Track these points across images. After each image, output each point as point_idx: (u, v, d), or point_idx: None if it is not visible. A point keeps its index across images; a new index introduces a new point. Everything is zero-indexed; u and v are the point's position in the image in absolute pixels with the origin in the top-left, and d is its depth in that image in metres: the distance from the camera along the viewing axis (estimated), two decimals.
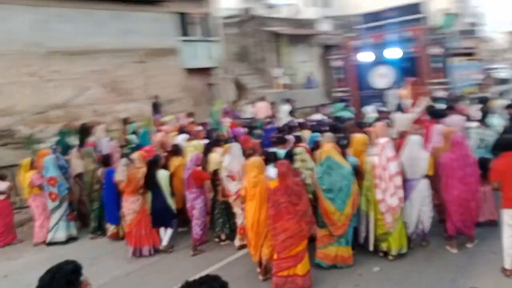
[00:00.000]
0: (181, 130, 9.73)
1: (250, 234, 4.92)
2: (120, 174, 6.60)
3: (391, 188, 4.92)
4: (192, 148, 7.17)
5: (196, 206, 6.09)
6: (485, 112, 6.76)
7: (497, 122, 7.22)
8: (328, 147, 5.11)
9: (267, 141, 8.14)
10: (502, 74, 26.83)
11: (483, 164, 5.66)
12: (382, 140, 5.11)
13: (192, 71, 15.55)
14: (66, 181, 7.30)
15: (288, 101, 13.11)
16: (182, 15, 15.32)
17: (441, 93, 12.22)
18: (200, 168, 6.24)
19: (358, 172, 5.29)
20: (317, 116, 11.14)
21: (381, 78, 13.80)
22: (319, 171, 5.01)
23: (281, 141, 6.57)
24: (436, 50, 12.64)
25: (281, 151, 6.12)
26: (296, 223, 4.45)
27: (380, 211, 5.03)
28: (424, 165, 5.12)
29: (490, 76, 16.78)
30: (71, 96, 11.92)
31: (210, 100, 14.97)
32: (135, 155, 6.69)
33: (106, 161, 7.27)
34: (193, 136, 9.71)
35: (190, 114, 12.20)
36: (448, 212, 5.18)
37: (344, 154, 5.30)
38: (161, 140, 9.03)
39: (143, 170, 6.22)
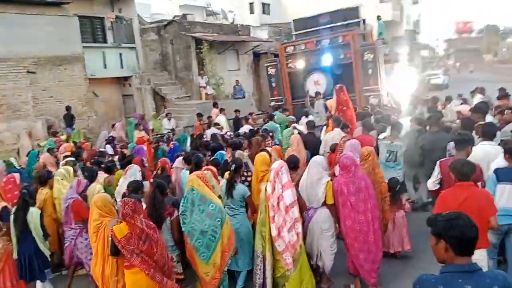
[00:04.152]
0: (77, 151, 8.42)
1: None
2: None
3: (288, 222, 4.07)
4: (60, 176, 5.82)
5: (79, 245, 5.07)
6: (394, 123, 6.30)
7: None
8: (193, 177, 4.17)
9: (171, 161, 7.19)
10: (437, 80, 28.20)
11: (393, 186, 5.09)
12: (276, 164, 4.25)
13: (103, 81, 14.23)
14: None
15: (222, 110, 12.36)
16: (91, 20, 14.04)
17: (372, 101, 12.17)
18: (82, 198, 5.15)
19: (249, 204, 4.49)
20: (245, 128, 10.33)
21: (315, 86, 13.41)
22: (182, 206, 4.11)
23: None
24: (368, 56, 12.46)
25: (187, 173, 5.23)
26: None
27: (277, 250, 4.15)
28: (321, 192, 4.34)
29: (424, 83, 17.12)
30: None
31: (125, 113, 13.79)
32: None
33: None
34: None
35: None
36: (346, 246, 4.44)
37: (233, 181, 4.50)
38: (40, 164, 7.70)
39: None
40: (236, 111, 12.82)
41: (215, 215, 4.00)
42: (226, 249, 4.05)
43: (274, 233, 4.06)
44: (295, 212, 4.13)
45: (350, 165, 4.27)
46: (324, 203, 4.37)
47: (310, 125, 8.31)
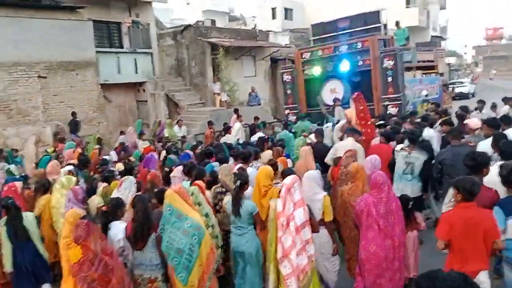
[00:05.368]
0: (84, 159, 8.14)
1: None
2: None
3: (298, 243, 3.64)
4: (60, 185, 5.49)
5: None
6: (412, 132, 5.83)
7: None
8: (169, 192, 3.79)
9: None
10: (462, 89, 26.74)
11: (405, 203, 4.44)
12: (288, 179, 3.79)
13: (117, 87, 14.16)
14: None
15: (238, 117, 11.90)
16: (107, 24, 13.98)
17: (391, 110, 11.49)
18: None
19: (258, 221, 4.17)
20: (255, 137, 9.87)
21: (331, 93, 12.83)
22: (160, 224, 3.77)
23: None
24: (388, 63, 11.80)
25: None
26: None
27: (282, 274, 3.69)
28: (317, 208, 3.92)
29: (448, 91, 16.19)
30: None
31: (139, 119, 13.57)
32: None
33: None
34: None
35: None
36: (361, 270, 3.88)
37: (238, 198, 4.14)
38: (41, 172, 7.47)
39: None
40: (255, 118, 12.38)
41: (191, 232, 3.64)
42: (205, 271, 3.70)
43: (279, 254, 3.63)
44: (307, 233, 3.71)
45: (383, 184, 3.74)
46: (322, 222, 3.95)
47: (319, 133, 7.80)
